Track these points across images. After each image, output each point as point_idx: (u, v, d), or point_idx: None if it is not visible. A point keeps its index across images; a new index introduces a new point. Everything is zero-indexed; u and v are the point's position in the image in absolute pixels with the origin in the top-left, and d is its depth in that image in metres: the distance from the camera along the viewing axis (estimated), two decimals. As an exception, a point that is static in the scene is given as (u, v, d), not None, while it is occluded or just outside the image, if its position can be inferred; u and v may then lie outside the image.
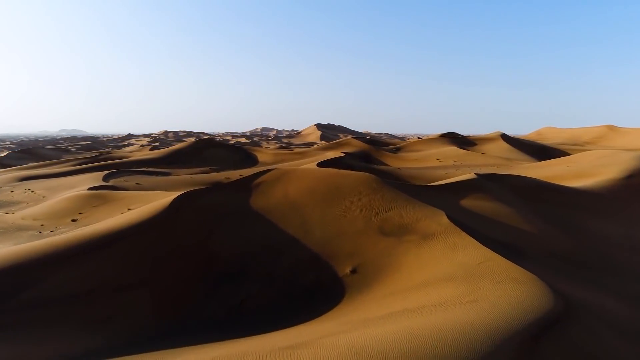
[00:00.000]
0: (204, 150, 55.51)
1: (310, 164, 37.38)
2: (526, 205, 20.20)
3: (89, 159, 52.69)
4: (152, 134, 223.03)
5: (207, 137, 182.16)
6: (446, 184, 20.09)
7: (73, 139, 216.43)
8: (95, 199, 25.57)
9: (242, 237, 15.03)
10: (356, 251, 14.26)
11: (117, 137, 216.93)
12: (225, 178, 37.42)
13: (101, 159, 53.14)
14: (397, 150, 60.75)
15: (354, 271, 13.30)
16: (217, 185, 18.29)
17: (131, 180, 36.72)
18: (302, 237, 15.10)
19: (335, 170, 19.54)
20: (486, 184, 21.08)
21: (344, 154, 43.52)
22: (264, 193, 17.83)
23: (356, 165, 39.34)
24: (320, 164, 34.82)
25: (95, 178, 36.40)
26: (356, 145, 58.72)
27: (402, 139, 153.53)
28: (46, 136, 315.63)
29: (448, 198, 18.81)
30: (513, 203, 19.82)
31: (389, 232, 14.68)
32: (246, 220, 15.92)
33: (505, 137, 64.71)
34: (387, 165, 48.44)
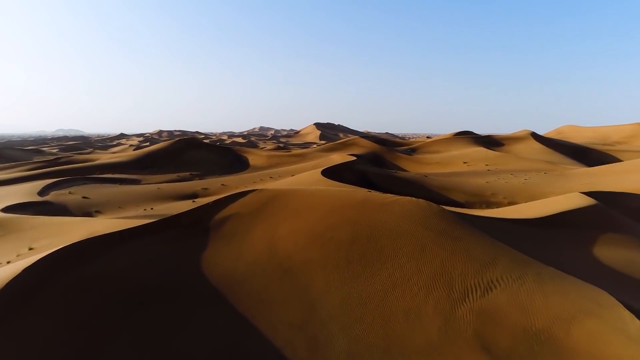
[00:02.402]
0: (185, 151, 46.98)
1: (312, 170, 28.84)
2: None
3: (47, 163, 44.25)
4: (145, 133, 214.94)
5: (202, 136, 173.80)
6: (554, 216, 11.60)
7: (63, 138, 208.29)
8: (-10, 230, 17.05)
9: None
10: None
11: (108, 137, 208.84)
12: (203, 189, 28.92)
13: (61, 162, 44.69)
14: (413, 151, 52.30)
15: None
16: (135, 230, 9.74)
17: (80, 191, 28.28)
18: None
19: (362, 192, 11.13)
20: (609, 214, 12.64)
21: (355, 158, 34.97)
22: (231, 241, 9.47)
23: (372, 172, 30.83)
24: (325, 172, 26.34)
25: (32, 189, 27.96)
26: (365, 146, 50.29)
27: (403, 138, 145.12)
28: (39, 136, 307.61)
29: (570, 245, 10.46)
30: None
31: (507, 355, 6.34)
32: (182, 310, 7.51)
33: (536, 137, 56.32)
34: (405, 170, 39.98)
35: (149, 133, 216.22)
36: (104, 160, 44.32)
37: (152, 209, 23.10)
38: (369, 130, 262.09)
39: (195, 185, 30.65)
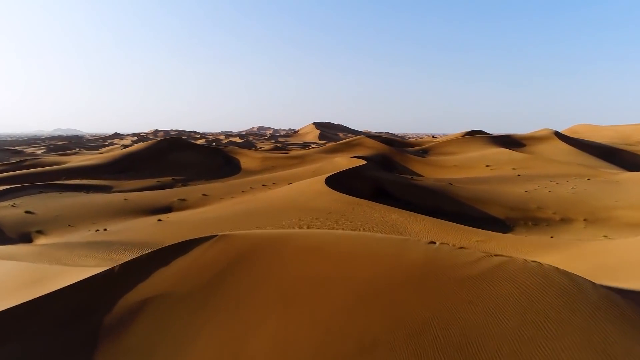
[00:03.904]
0: (169, 153, 41.56)
1: (313, 179, 23.55)
2: None
3: (8, 167, 38.82)
4: (140, 133, 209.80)
5: (198, 136, 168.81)
6: None
7: (55, 138, 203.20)
8: None
9: None
10: None
11: (101, 136, 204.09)
12: (180, 200, 23.61)
13: (25, 165, 39.33)
14: (424, 152, 47.02)
15: None
16: None
17: (27, 203, 23.03)
18: None
19: (417, 242, 5.92)
20: None
21: (365, 162, 29.57)
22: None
23: (387, 179, 25.46)
24: (330, 180, 21.05)
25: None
26: (371, 147, 44.99)
27: (403, 138, 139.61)
28: (34, 135, 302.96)
29: None
30: None
31: None
32: None
33: (560, 136, 51.12)
34: (420, 175, 34.70)
35: (144, 133, 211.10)
36: (75, 163, 38.91)
37: (105, 229, 17.72)
38: (369, 130, 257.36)
39: (172, 194, 25.28)
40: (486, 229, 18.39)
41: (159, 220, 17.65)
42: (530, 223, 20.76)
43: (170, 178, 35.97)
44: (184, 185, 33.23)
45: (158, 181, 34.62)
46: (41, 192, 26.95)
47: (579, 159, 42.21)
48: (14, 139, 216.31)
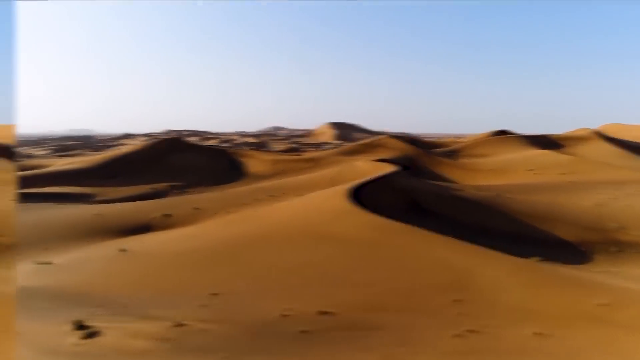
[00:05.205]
0: (169, 155, 37.36)
1: (330, 190, 19.04)
2: None
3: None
4: (152, 133, 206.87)
5: (211, 136, 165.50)
6: None
7: (64, 138, 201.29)
8: None
9: None
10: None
11: (110, 137, 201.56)
12: (164, 215, 19.26)
13: None
14: (452, 154, 42.31)
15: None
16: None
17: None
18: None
19: None
20: None
21: (397, 168, 24.76)
22: None
23: (421, 190, 20.84)
24: (355, 194, 16.44)
25: None
26: (395, 148, 40.38)
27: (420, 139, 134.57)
28: (44, 135, 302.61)
29: None
30: None
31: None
32: None
33: (603, 136, 46.05)
34: (453, 180, 30.01)
35: (156, 133, 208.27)
36: (59, 167, 34.83)
37: (50, 263, 13.24)
38: (385, 130, 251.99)
39: (156, 207, 20.90)
40: (559, 258, 13.75)
41: (122, 250, 13.18)
42: (612, 248, 16.07)
43: (167, 184, 31.72)
44: (180, 193, 28.98)
45: (152, 188, 30.41)
46: None
47: (629, 162, 37.20)
48: (24, 139, 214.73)
